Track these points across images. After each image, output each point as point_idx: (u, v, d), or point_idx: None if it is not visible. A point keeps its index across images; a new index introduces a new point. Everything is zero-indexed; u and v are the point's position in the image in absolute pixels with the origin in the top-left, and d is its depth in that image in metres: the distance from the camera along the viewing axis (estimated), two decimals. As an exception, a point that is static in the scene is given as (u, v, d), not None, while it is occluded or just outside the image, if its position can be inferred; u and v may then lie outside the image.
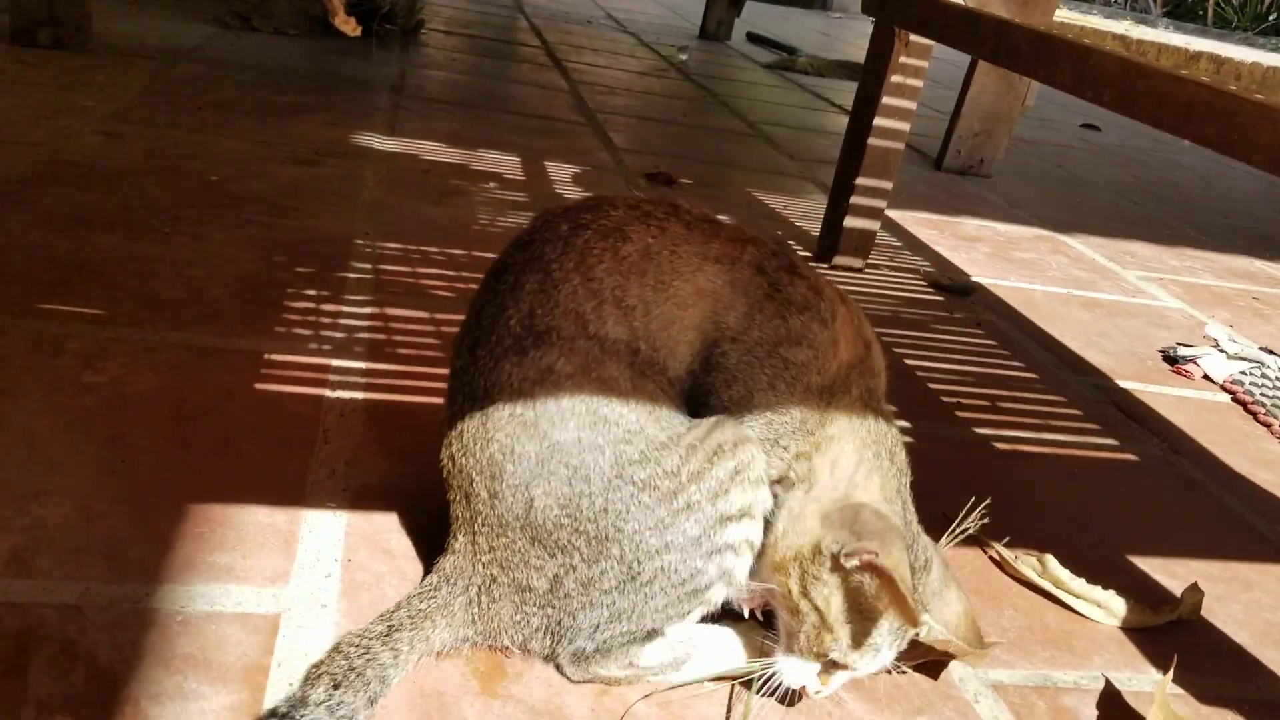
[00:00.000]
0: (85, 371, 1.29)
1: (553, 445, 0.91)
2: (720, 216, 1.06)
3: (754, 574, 0.98)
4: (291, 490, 1.15)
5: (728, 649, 1.02)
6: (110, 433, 1.19)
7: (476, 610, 0.96)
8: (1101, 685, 1.11)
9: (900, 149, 2.22)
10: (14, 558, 0.97)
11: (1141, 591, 1.28)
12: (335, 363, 1.44)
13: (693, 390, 1.01)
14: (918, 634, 0.97)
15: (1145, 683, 1.12)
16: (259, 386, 1.34)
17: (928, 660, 1.04)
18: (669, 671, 0.98)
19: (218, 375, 1.35)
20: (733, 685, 1.00)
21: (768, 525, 0.98)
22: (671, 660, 0.98)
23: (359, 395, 1.37)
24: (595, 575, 0.92)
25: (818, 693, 0.95)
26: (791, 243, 2.41)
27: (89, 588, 0.95)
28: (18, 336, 1.34)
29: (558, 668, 0.97)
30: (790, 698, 0.97)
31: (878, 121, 2.17)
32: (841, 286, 2.12)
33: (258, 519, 1.10)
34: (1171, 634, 1.22)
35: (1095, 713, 1.06)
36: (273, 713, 0.85)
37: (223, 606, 0.97)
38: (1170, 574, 1.34)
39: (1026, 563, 1.25)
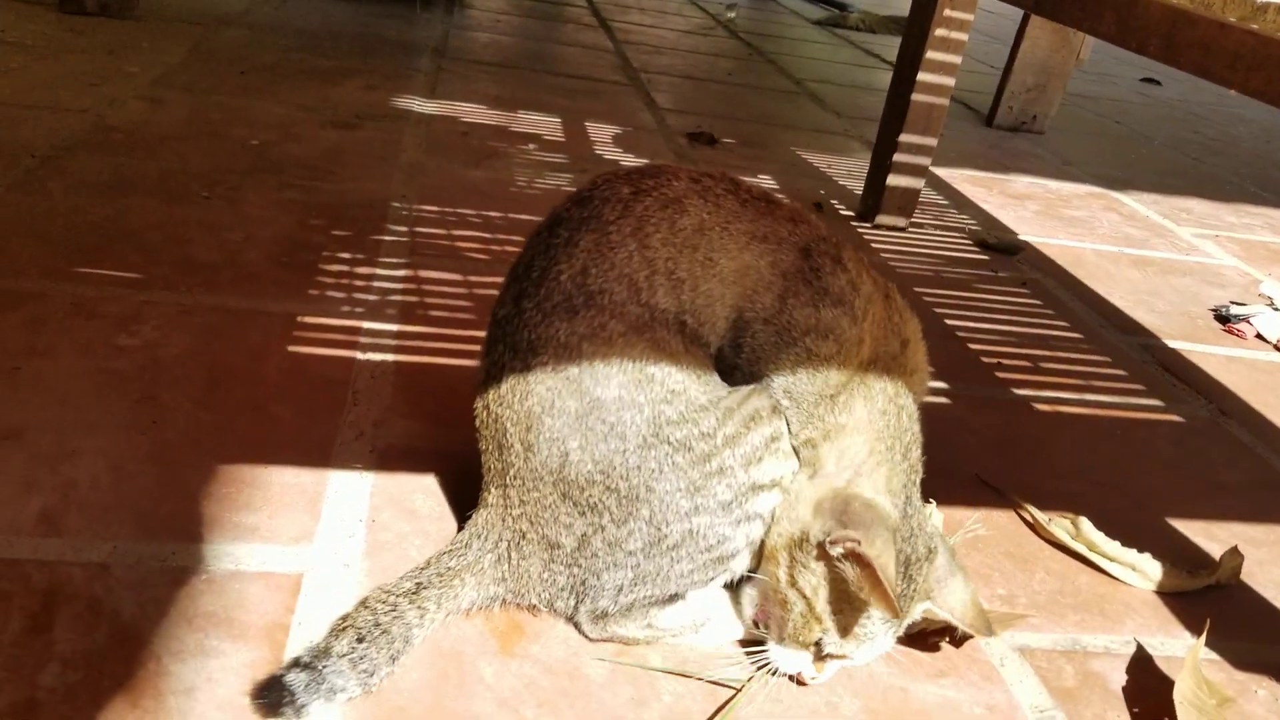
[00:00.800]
0: (120, 334, 1.31)
1: (594, 402, 0.90)
2: (780, 195, 1.05)
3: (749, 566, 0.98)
4: (319, 451, 1.16)
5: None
6: (142, 394, 1.20)
7: (506, 567, 0.96)
8: (1133, 649, 1.09)
9: (945, 105, 2.17)
10: (44, 516, 0.99)
11: (1180, 555, 1.25)
12: (367, 325, 1.44)
13: (719, 365, 1.00)
14: (914, 622, 0.97)
15: (1178, 647, 1.10)
16: (290, 349, 1.35)
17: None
18: (687, 634, 0.98)
19: (250, 338, 1.36)
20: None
21: None
22: (690, 623, 0.98)
23: (389, 358, 1.37)
24: (623, 536, 0.92)
25: (814, 679, 0.94)
26: (835, 202, 2.37)
27: (117, 546, 0.97)
28: (56, 300, 1.36)
29: (576, 625, 0.97)
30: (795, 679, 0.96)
31: (921, 76, 2.13)
32: (883, 246, 2.11)
33: (285, 479, 1.11)
34: (1209, 598, 1.19)
35: (1125, 677, 1.04)
36: (296, 662, 0.86)
37: (247, 565, 0.98)
38: (1211, 537, 1.31)
39: (1060, 525, 1.23)
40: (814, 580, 0.91)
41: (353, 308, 1.48)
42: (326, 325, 1.42)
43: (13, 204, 1.62)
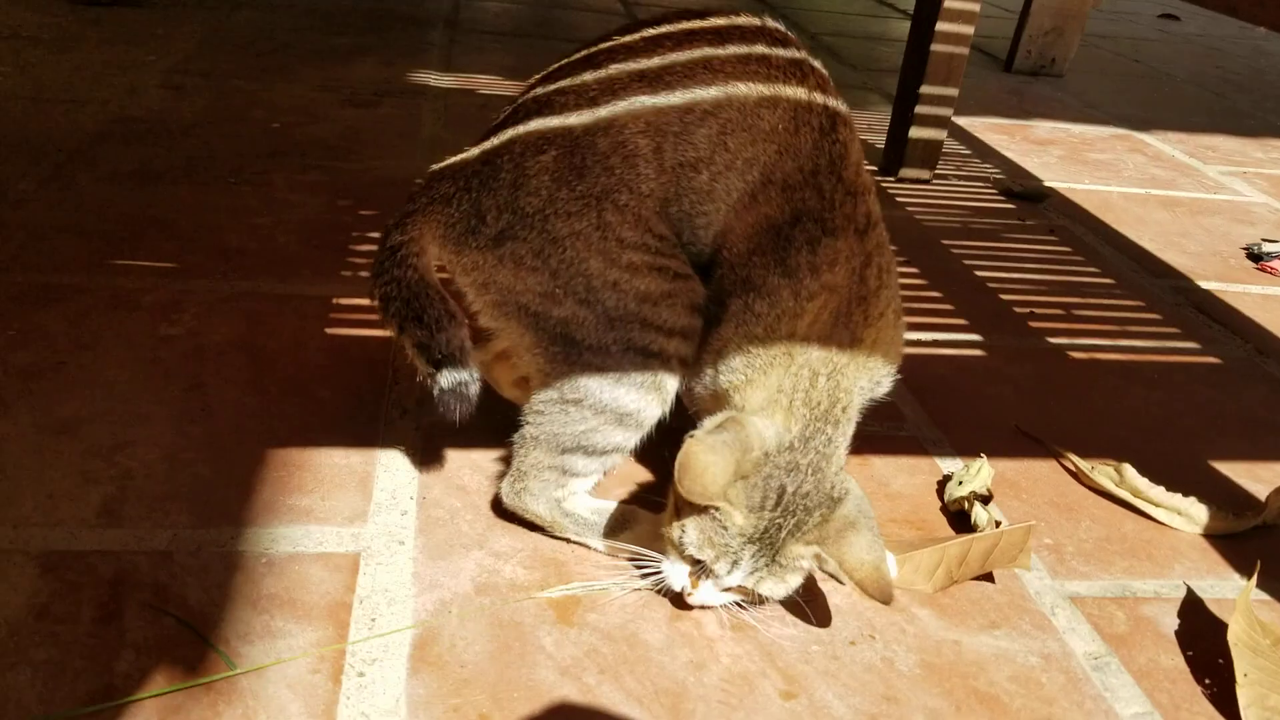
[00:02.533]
0: (162, 324, 1.33)
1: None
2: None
3: None
4: (365, 431, 1.18)
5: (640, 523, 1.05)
6: (189, 383, 1.22)
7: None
8: (1183, 594, 1.09)
9: (965, 54, 2.15)
10: (105, 508, 1.01)
11: (1226, 497, 1.25)
12: (402, 303, 1.45)
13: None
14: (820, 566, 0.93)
15: (1228, 589, 1.10)
16: (329, 331, 1.36)
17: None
18: (588, 534, 1.04)
19: (289, 322, 1.37)
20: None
21: None
22: (595, 522, 1.04)
23: (427, 335, 1.38)
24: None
25: (689, 594, 0.94)
26: (856, 157, 2.36)
27: (177, 534, 0.99)
28: (96, 293, 1.38)
29: (499, 493, 1.05)
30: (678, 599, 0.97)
31: (940, 26, 2.11)
32: (908, 199, 2.10)
33: (334, 461, 1.12)
34: (1257, 539, 1.19)
35: (1176, 621, 1.05)
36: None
37: (305, 547, 1.00)
38: (1256, 478, 1.31)
39: (1103, 472, 1.23)
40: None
41: (387, 287, 1.49)
42: (363, 306, 1.43)
43: (44, 199, 1.64)
